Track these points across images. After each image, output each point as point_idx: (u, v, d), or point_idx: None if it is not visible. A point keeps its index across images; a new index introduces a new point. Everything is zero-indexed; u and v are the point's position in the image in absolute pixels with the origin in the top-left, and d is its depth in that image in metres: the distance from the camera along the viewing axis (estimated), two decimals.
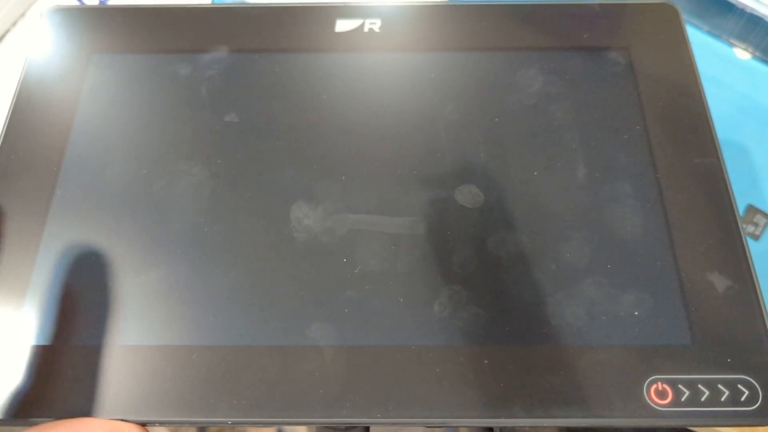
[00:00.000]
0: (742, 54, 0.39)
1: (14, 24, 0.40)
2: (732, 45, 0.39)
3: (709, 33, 0.40)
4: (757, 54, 0.39)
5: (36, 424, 0.22)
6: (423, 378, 0.22)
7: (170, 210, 0.25)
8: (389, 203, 0.25)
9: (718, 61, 0.39)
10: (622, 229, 0.25)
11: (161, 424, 0.22)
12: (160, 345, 0.23)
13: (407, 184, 0.26)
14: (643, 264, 0.24)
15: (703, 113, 0.27)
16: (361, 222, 0.25)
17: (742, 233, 0.24)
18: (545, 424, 0.22)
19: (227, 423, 0.22)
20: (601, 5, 0.30)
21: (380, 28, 0.30)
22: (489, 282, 0.24)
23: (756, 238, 0.34)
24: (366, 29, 0.30)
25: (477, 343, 0.23)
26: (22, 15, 0.40)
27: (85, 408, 0.22)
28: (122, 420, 0.22)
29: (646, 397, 0.22)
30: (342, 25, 0.30)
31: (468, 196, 0.25)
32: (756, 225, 0.34)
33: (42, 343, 0.23)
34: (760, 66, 0.39)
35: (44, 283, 0.24)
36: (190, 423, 0.22)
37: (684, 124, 0.27)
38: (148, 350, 0.23)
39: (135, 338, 0.23)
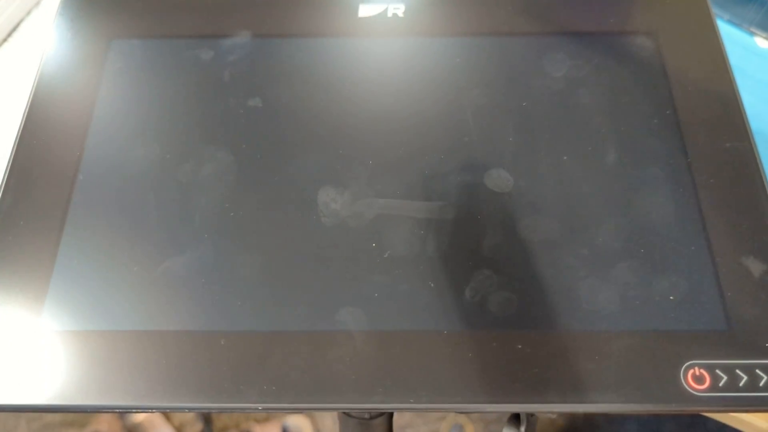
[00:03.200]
0: (762, 43, 0.39)
1: (29, 13, 0.40)
2: (753, 34, 0.39)
3: (730, 22, 0.39)
4: None
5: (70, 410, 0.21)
6: (455, 363, 0.22)
7: (195, 195, 0.25)
8: (417, 188, 0.25)
9: (739, 50, 0.39)
10: (654, 214, 0.24)
11: (191, 410, 0.21)
12: (189, 330, 0.22)
13: (435, 168, 0.25)
14: (676, 248, 0.24)
15: (733, 96, 0.27)
16: (390, 207, 0.25)
17: None
18: (581, 410, 0.21)
19: (258, 408, 0.21)
20: None
21: (404, 12, 0.29)
22: (521, 267, 0.23)
23: None
24: (390, 14, 0.29)
25: (509, 328, 0.22)
26: (37, 3, 0.40)
27: (115, 394, 0.22)
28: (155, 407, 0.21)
29: (683, 382, 0.21)
30: (365, 10, 0.30)
31: (498, 180, 0.25)
32: None
33: (66, 328, 0.23)
34: None
35: (68, 268, 0.24)
36: (221, 409, 0.22)
37: (714, 108, 0.26)
38: (176, 335, 0.22)
39: (163, 323, 0.23)
